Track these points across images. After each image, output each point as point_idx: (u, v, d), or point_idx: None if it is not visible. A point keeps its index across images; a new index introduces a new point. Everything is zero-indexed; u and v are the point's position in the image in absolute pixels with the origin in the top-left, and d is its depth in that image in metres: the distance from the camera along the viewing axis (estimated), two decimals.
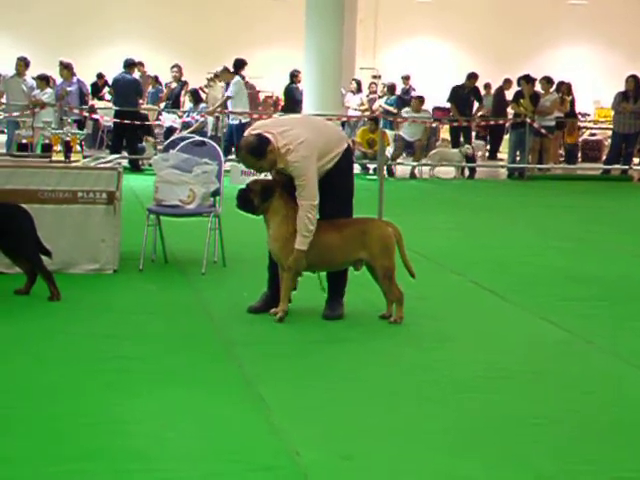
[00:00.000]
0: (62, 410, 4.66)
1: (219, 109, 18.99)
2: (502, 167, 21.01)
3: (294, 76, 21.42)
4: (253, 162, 6.48)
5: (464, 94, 20.09)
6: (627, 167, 19.87)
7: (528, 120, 19.25)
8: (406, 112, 20.06)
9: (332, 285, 6.84)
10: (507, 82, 22.52)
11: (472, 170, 19.69)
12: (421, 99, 20.16)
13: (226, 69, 19.27)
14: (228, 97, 18.67)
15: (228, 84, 18.92)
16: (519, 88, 20.08)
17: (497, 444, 4.40)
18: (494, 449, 4.33)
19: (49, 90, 18.20)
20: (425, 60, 30.68)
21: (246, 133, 6.69)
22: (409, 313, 6.64)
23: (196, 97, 20.21)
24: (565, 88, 21.99)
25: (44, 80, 18.30)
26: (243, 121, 18.63)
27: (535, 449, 4.34)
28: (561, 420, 4.76)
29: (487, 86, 23.16)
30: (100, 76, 22.93)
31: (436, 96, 23.47)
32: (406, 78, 24.99)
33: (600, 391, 5.32)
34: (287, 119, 7.38)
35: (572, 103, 22.56)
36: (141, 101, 19.86)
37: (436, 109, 23.43)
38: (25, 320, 6.46)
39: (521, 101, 19.56)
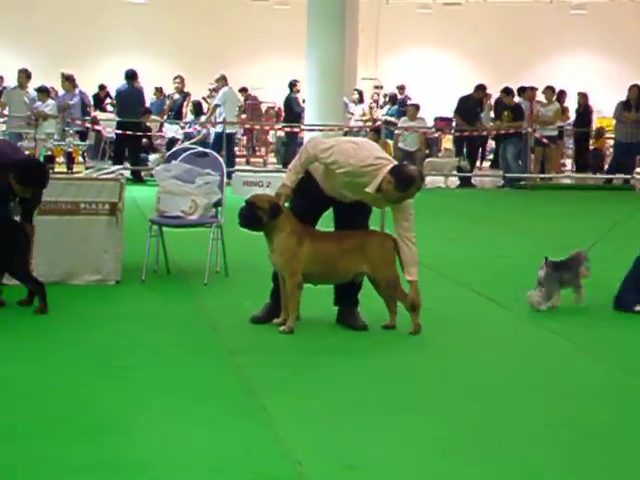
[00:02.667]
0: (64, 419, 4.67)
1: (212, 117, 19.29)
2: (504, 177, 21.02)
3: (293, 85, 21.43)
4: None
5: (471, 105, 20.05)
6: (630, 176, 19.88)
7: (530, 129, 19.32)
8: (403, 121, 20.10)
9: (346, 293, 6.84)
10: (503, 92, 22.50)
11: (467, 179, 19.70)
12: (416, 107, 20.18)
13: (223, 77, 19.46)
14: (216, 105, 18.97)
15: None
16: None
17: (499, 452, 4.40)
18: (497, 457, 4.33)
19: (51, 102, 18.24)
20: (427, 69, 30.71)
21: (373, 161, 6.39)
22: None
23: (197, 110, 20.38)
24: (581, 97, 22.27)
25: (45, 92, 18.36)
26: (228, 131, 18.72)
27: (536, 456, 4.35)
28: (561, 427, 4.76)
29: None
30: (102, 87, 22.98)
31: (438, 106, 23.49)
32: (401, 88, 25.02)
33: (600, 399, 5.32)
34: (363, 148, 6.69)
35: (588, 110, 22.69)
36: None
37: (438, 119, 23.41)
38: (27, 330, 6.47)
39: (505, 113, 19.68)
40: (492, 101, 22.87)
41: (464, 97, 20.21)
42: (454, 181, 19.88)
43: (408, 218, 6.58)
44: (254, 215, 6.53)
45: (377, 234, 6.97)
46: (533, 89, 20.76)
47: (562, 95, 22.40)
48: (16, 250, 6.93)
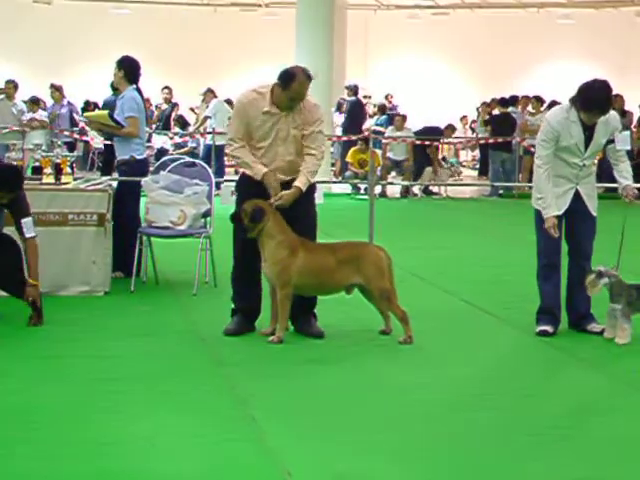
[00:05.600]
0: (52, 431, 4.65)
1: (201, 129, 19.39)
2: (492, 186, 21.05)
3: None
4: (306, 88, 6.60)
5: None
6: (615, 185, 19.87)
7: (518, 139, 19.44)
8: (390, 131, 20.19)
9: (302, 304, 6.77)
10: (495, 101, 22.54)
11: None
12: (403, 117, 20.28)
13: (210, 91, 19.53)
14: (207, 117, 19.07)
15: None
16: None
17: (493, 461, 4.38)
18: (490, 467, 4.32)
19: (42, 112, 18.27)
20: (415, 79, 30.74)
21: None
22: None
23: (182, 123, 20.49)
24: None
25: (35, 102, 18.40)
26: (218, 142, 18.75)
27: (531, 465, 4.33)
28: (556, 437, 4.75)
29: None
30: (87, 103, 22.90)
31: (426, 114, 23.48)
32: (388, 96, 25.14)
33: (593, 408, 5.32)
34: None
35: None
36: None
37: (427, 128, 23.37)
38: (17, 342, 6.45)
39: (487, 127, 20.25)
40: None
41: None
42: (449, 190, 19.96)
43: (316, 137, 6.70)
44: (238, 217, 6.60)
45: (370, 246, 6.98)
46: (527, 98, 20.95)
47: (553, 104, 22.46)
48: (6, 263, 6.91)
